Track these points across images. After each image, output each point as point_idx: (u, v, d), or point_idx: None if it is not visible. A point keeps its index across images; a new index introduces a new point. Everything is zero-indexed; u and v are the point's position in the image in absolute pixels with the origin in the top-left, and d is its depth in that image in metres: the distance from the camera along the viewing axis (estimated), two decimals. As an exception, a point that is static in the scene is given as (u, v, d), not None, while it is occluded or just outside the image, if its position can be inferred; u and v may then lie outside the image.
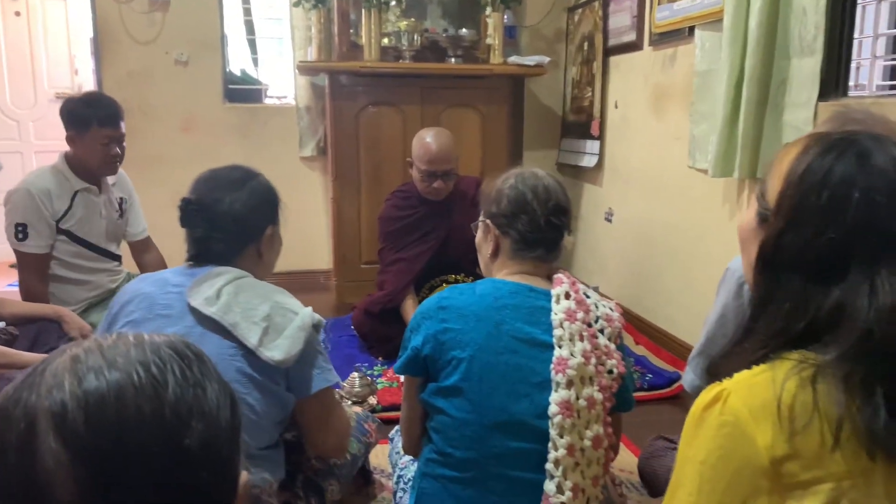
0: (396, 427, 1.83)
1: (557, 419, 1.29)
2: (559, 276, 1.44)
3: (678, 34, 2.85)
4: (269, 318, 1.36)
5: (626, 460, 2.07)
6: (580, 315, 1.36)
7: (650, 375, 2.66)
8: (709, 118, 2.63)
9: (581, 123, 3.82)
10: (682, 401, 2.55)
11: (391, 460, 1.81)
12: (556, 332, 1.33)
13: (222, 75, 3.93)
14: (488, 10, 3.50)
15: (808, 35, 2.12)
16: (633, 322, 3.26)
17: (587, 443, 1.32)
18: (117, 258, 2.59)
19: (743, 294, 1.34)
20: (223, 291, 1.37)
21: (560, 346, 1.32)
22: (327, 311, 3.56)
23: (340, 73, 3.45)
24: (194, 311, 1.36)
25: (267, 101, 4.14)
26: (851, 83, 2.18)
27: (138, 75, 3.81)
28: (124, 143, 2.48)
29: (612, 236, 3.57)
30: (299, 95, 3.95)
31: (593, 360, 1.34)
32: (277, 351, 1.33)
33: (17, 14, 4.83)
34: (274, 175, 4.10)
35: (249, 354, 1.34)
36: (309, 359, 1.39)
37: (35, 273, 2.36)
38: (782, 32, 2.23)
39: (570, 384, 1.30)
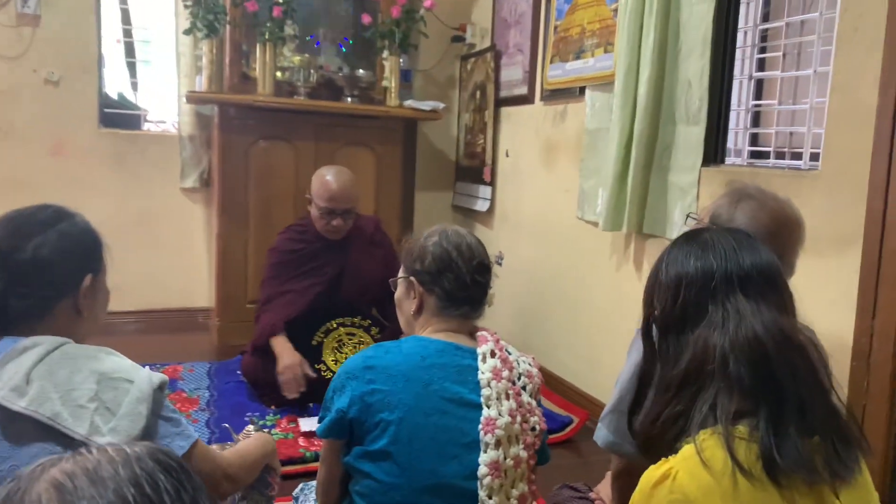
0: (301, 485, 1.76)
1: (487, 480, 1.30)
2: (483, 333, 1.47)
3: (569, 92, 3.01)
4: (98, 395, 1.10)
5: (528, 510, 2.09)
6: (505, 373, 1.38)
7: (561, 419, 2.73)
8: (597, 174, 2.78)
9: (474, 168, 3.91)
10: (575, 444, 2.64)
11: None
12: (485, 391, 1.35)
13: (98, 98, 3.68)
14: (385, 53, 3.53)
15: (693, 106, 2.31)
16: (522, 365, 3.35)
17: (514, 502, 1.34)
18: None
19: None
20: (34, 374, 1.09)
21: (488, 406, 1.33)
22: (210, 353, 3.38)
23: (231, 106, 3.34)
24: (1, 410, 1.07)
25: (146, 126, 3.92)
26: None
27: (1, 94, 3.48)
28: None
29: (502, 280, 3.66)
30: (183, 123, 3.78)
31: (518, 419, 1.36)
32: (113, 435, 1.09)
33: None
34: (152, 206, 3.93)
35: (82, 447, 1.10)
36: (154, 430, 1.15)
37: None
38: (668, 100, 2.42)
39: (498, 444, 1.32)
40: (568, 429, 2.67)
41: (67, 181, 3.59)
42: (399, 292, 1.53)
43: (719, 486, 0.84)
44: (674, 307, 1.02)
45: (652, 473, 0.88)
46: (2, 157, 3.46)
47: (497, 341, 1.44)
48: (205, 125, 3.79)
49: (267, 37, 3.27)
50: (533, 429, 1.38)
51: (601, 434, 1.57)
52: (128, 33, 3.88)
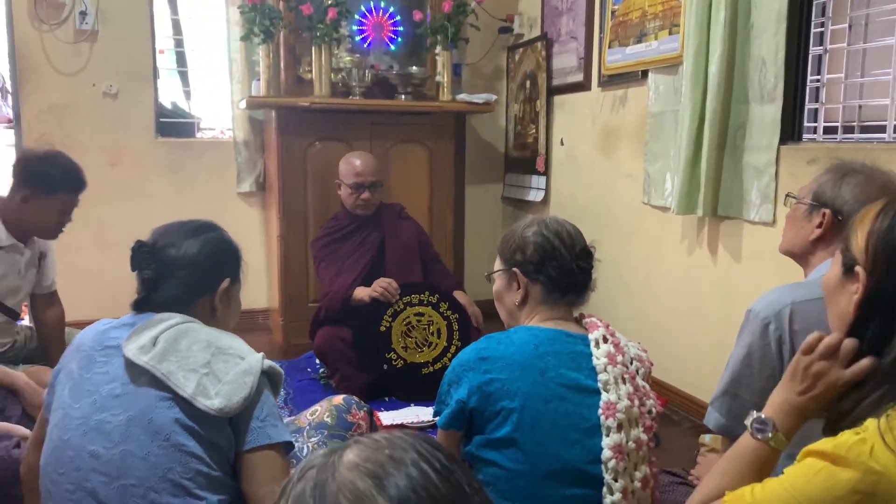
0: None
1: (612, 463, 1.31)
2: (592, 320, 1.48)
3: (630, 76, 2.98)
4: (209, 364, 1.22)
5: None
6: (619, 358, 1.39)
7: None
8: (664, 157, 2.76)
9: (525, 159, 3.90)
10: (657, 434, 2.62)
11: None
12: (602, 376, 1.35)
13: (154, 108, 3.74)
14: (438, 49, 3.54)
15: (769, 84, 2.28)
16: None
17: (637, 484, 1.35)
18: (15, 316, 2.30)
19: (768, 334, 1.40)
20: (160, 339, 1.24)
21: (607, 391, 1.34)
22: (275, 353, 3.43)
23: (288, 109, 3.37)
24: (129, 365, 1.22)
25: (200, 134, 3.98)
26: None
27: (62, 108, 3.56)
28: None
29: (561, 269, 3.65)
30: (237, 129, 3.82)
31: (636, 402, 1.37)
32: (217, 399, 1.19)
33: None
34: (208, 211, 3.98)
35: (187, 405, 1.19)
36: (252, 409, 1.22)
37: None
38: (740, 79, 2.39)
39: (620, 427, 1.32)
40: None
41: (126, 189, 3.66)
42: (498, 285, 1.53)
43: None
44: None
45: (846, 439, 0.86)
46: (67, 171, 3.53)
47: (607, 326, 1.45)
48: (258, 130, 3.83)
49: (322, 39, 3.29)
50: (650, 412, 1.39)
51: (712, 417, 1.56)
52: (179, 43, 3.93)
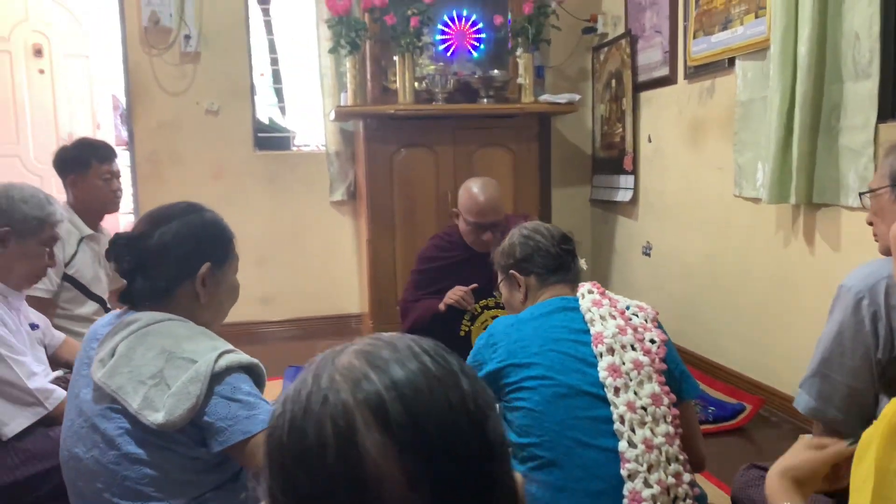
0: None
1: (608, 381, 1.43)
2: (581, 283, 1.67)
3: (716, 66, 2.89)
4: (161, 372, 1.20)
5: (715, 495, 2.00)
6: (606, 302, 1.56)
7: (712, 408, 2.60)
8: (754, 146, 2.65)
9: (612, 159, 3.84)
10: (748, 432, 2.50)
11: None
12: (587, 315, 1.53)
13: (252, 123, 3.96)
14: (519, 51, 3.55)
15: (863, 59, 2.15)
16: (681, 354, 3.22)
17: (646, 400, 1.43)
18: (104, 304, 2.57)
19: (862, 310, 1.32)
20: (118, 348, 1.23)
21: (593, 325, 1.50)
22: (366, 354, 3.52)
23: (374, 117, 3.48)
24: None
25: (294, 147, 4.17)
26: None
27: (169, 126, 3.83)
28: (120, 179, 2.61)
29: (651, 270, 3.55)
30: (329, 141, 3.98)
31: (630, 332, 1.50)
32: (162, 412, 1.17)
33: (41, 72, 4.89)
34: (303, 220, 4.16)
35: (135, 418, 1.20)
36: (205, 415, 1.20)
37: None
38: (832, 57, 2.26)
39: (611, 351, 1.46)
40: (741, 416, 2.54)
41: (227, 201, 3.86)
42: (505, 294, 1.79)
43: None
44: None
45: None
46: (172, 183, 3.79)
47: (594, 284, 1.62)
48: (349, 141, 3.97)
49: (405, 48, 3.38)
50: (652, 341, 1.50)
51: (802, 400, 1.48)
52: (275, 62, 4.15)
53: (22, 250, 1.95)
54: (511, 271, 1.72)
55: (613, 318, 1.52)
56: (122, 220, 4.52)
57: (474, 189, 2.66)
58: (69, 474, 1.32)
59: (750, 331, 2.79)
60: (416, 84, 3.59)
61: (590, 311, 1.53)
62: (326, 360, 0.50)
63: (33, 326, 2.16)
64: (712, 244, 3.03)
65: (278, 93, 4.24)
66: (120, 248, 1.32)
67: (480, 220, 2.60)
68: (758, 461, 1.93)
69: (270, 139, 4.08)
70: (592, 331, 1.50)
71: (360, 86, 3.55)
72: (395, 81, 3.56)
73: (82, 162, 2.49)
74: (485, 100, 3.60)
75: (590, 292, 1.59)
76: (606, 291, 1.61)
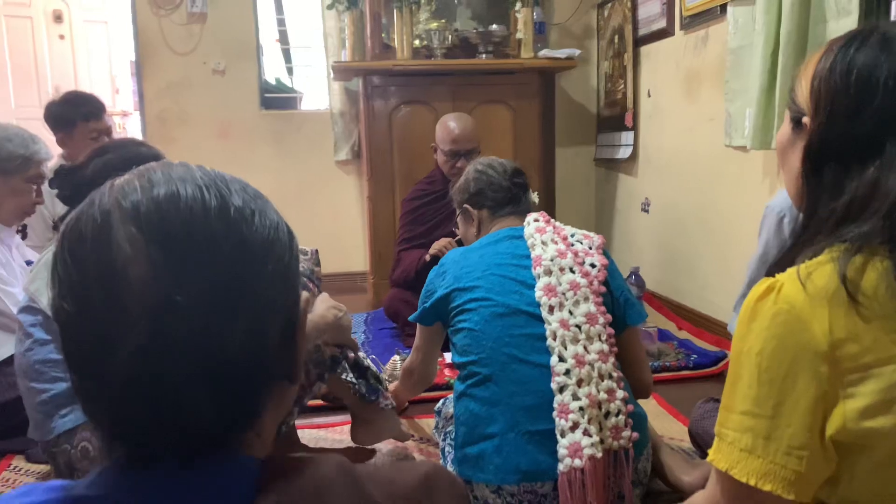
0: (442, 399, 1.85)
1: (543, 300, 1.48)
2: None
3: (710, 14, 2.84)
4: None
5: (675, 429, 2.02)
6: (549, 229, 1.61)
7: (695, 356, 2.61)
8: (744, 94, 2.61)
9: (615, 117, 3.81)
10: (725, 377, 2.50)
11: (437, 433, 1.81)
12: (529, 240, 1.58)
13: (258, 83, 4.02)
14: (518, 6, 3.54)
15: (844, -5, 2.10)
16: (674, 309, 3.22)
17: (580, 318, 1.47)
18: None
19: (783, 229, 1.32)
20: (41, 259, 1.59)
21: (534, 249, 1.56)
22: (365, 306, 3.61)
23: (374, 74, 3.50)
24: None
25: (301, 107, 4.23)
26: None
27: (177, 85, 3.92)
28: (113, 136, 2.57)
29: (649, 226, 3.54)
30: (333, 101, 4.02)
31: (569, 255, 1.54)
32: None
33: (62, 37, 5.02)
34: (309, 179, 4.22)
35: None
36: None
37: None
38: (816, -3, 2.22)
39: (548, 272, 1.52)
40: (721, 363, 2.53)
41: (233, 160, 3.96)
42: (461, 229, 1.85)
43: (832, 296, 0.77)
44: (849, 122, 0.82)
45: (756, 289, 0.83)
46: (180, 141, 3.89)
47: (543, 215, 1.67)
48: (353, 101, 4.01)
49: (403, 3, 3.39)
50: (593, 265, 1.55)
51: (734, 324, 1.49)
52: (281, 22, 4.20)
53: (9, 187, 2.05)
54: (465, 206, 1.79)
55: (555, 242, 1.57)
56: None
57: (449, 120, 2.91)
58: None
59: (736, 284, 2.77)
60: (416, 41, 3.61)
61: (532, 236, 1.59)
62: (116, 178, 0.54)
63: (29, 263, 2.27)
64: (704, 197, 3.00)
65: (286, 54, 4.29)
66: (61, 178, 1.47)
67: (454, 147, 2.82)
68: (717, 396, 1.95)
69: (277, 99, 4.15)
70: (533, 254, 1.55)
71: (359, 42, 3.58)
72: (394, 38, 3.58)
73: (67, 120, 2.50)
74: (483, 55, 3.60)
75: (535, 220, 1.65)
76: (553, 220, 1.66)
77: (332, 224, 4.14)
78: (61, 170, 1.49)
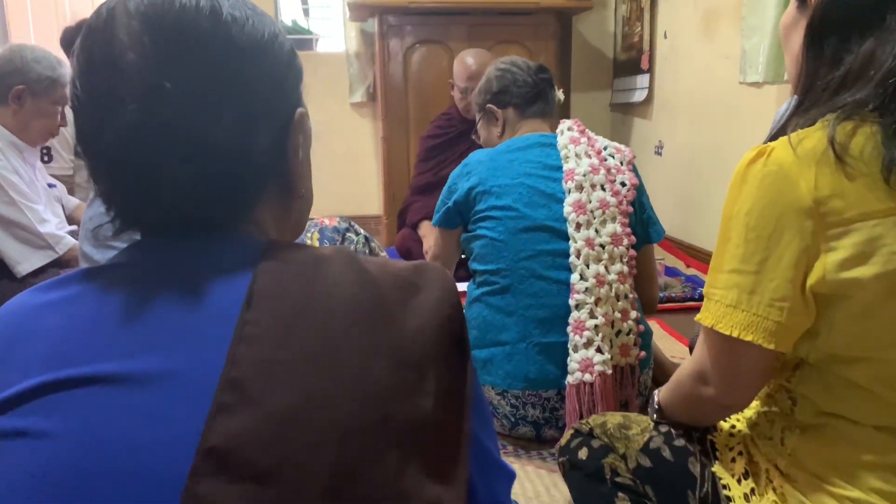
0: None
1: (572, 216, 1.46)
2: (562, 120, 1.64)
3: (728, -52, 2.82)
4: None
5: (677, 348, 2.08)
6: (584, 140, 1.55)
7: (701, 289, 2.64)
8: (759, 30, 2.59)
9: (631, 60, 3.79)
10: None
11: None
12: (563, 151, 1.53)
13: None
14: (535, -56, 3.51)
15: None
16: (685, 250, 3.25)
17: (606, 238, 1.47)
18: None
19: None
20: None
21: (566, 162, 1.51)
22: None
23: (390, 12, 3.50)
24: None
25: (317, 49, 4.24)
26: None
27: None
28: None
29: (662, 169, 3.55)
30: (349, 42, 4.03)
31: (602, 172, 1.50)
32: None
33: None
34: (324, 121, 4.24)
35: None
36: None
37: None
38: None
39: (580, 188, 1.48)
40: (728, 296, 2.57)
41: (253, 101, 3.99)
42: (483, 131, 1.77)
43: (820, 157, 0.80)
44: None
45: (747, 155, 0.87)
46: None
47: (576, 122, 1.61)
48: (369, 43, 4.01)
49: (418, -61, 3.37)
50: (623, 184, 1.52)
51: None
52: (298, -37, 4.18)
53: (37, 108, 2.11)
54: (488, 105, 1.71)
55: (588, 156, 1.52)
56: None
57: (466, 55, 2.84)
58: None
59: (748, 220, 2.79)
60: (433, -21, 3.59)
61: (566, 147, 1.54)
62: None
63: (51, 185, 2.33)
64: (718, 136, 3.01)
65: (303, -5, 4.28)
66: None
67: (469, 83, 2.73)
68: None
69: (293, 41, 4.14)
70: (565, 167, 1.51)
71: (376, -19, 3.57)
72: (410, -24, 3.56)
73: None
74: (499, -5, 3.58)
75: (569, 129, 1.59)
76: (587, 130, 1.60)
77: (347, 167, 4.18)
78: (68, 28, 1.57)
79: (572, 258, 1.46)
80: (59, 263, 2.08)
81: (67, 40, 2.62)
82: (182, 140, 0.53)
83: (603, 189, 1.49)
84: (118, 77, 0.52)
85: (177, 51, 0.53)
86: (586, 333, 1.43)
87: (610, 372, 1.44)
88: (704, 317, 0.87)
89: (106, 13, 0.55)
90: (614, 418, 1.01)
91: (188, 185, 0.54)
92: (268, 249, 0.54)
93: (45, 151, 2.45)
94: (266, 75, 0.57)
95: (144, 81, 0.52)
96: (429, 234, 2.77)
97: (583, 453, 1.01)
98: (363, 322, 0.49)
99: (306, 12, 4.28)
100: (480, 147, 2.75)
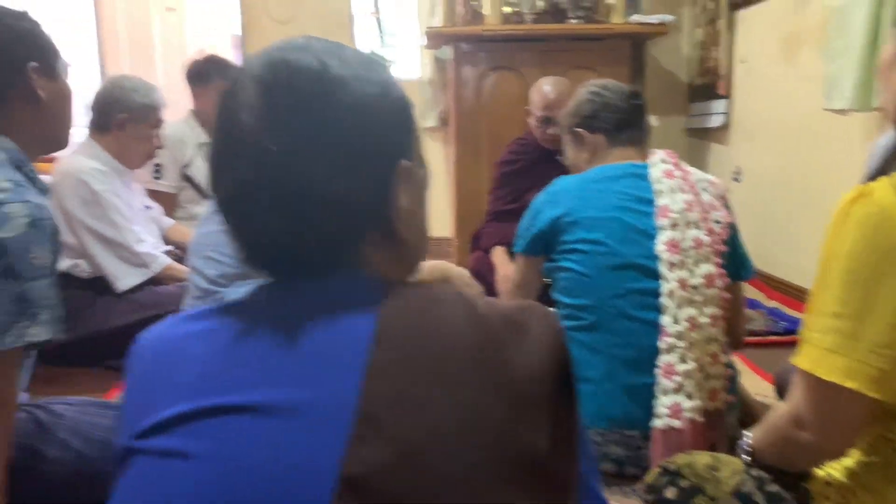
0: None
1: (665, 256, 1.40)
2: (654, 150, 1.59)
3: (812, -28, 2.76)
4: None
5: (761, 386, 2.02)
6: (678, 174, 1.49)
7: (784, 323, 2.57)
8: (845, 54, 2.52)
9: (708, 85, 3.74)
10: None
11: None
12: (656, 186, 1.46)
13: (351, 52, 4.16)
14: (609, -30, 3.52)
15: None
16: (765, 281, 3.16)
17: (699, 279, 1.40)
18: None
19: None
20: None
21: (660, 197, 1.45)
22: (449, 270, 3.69)
23: (463, 40, 3.57)
24: None
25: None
26: None
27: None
28: None
29: (741, 196, 3.46)
30: (423, 69, 4.12)
31: (697, 209, 1.44)
32: None
33: (170, 10, 5.31)
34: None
35: None
36: None
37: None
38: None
39: (674, 226, 1.42)
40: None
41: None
42: (570, 153, 1.71)
43: None
44: None
45: (848, 196, 0.86)
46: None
47: (668, 153, 1.55)
48: (441, 69, 4.10)
49: (493, -32, 3.43)
50: (717, 221, 1.47)
51: None
52: (375, -7, 4.31)
53: (136, 133, 2.25)
54: (578, 129, 1.64)
55: (683, 192, 1.45)
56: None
57: (544, 83, 2.79)
58: None
59: (833, 249, 2.70)
60: (506, 7, 3.64)
61: (659, 181, 1.47)
62: None
63: (147, 207, 2.47)
64: (799, 163, 2.93)
65: (379, 25, 4.41)
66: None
67: (546, 113, 2.70)
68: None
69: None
70: (659, 202, 1.45)
71: (450, 9, 3.65)
72: (484, 4, 3.62)
73: (204, 76, 2.76)
74: (573, 20, 3.60)
75: (663, 161, 1.53)
76: (681, 162, 1.54)
77: (419, 190, 4.25)
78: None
79: (664, 299, 1.40)
80: (154, 281, 2.20)
81: (193, 72, 2.81)
82: (286, 194, 0.58)
83: (698, 227, 1.43)
84: (235, 136, 0.59)
85: (285, 114, 0.58)
86: (676, 378, 1.38)
87: (700, 420, 1.39)
88: (802, 360, 0.86)
89: (237, 75, 0.61)
90: (703, 458, 1.00)
91: (293, 233, 0.59)
92: (387, 289, 0.57)
93: (156, 168, 2.62)
94: (371, 131, 0.61)
95: (255, 143, 0.58)
96: (502, 261, 2.77)
97: (671, 493, 1.00)
98: (478, 360, 0.52)
99: (382, 41, 4.40)
100: (561, 172, 2.72)
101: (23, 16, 1.21)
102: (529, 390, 0.51)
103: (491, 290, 2.87)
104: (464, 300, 0.56)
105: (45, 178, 2.26)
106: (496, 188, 3.02)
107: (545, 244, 1.55)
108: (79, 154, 2.20)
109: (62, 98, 1.24)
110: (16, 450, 1.10)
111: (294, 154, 0.57)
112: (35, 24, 1.22)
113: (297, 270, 0.60)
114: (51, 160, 2.57)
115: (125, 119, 2.23)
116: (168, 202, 2.69)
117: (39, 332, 1.04)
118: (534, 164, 2.90)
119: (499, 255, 2.81)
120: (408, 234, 0.65)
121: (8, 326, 1.01)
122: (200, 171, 2.78)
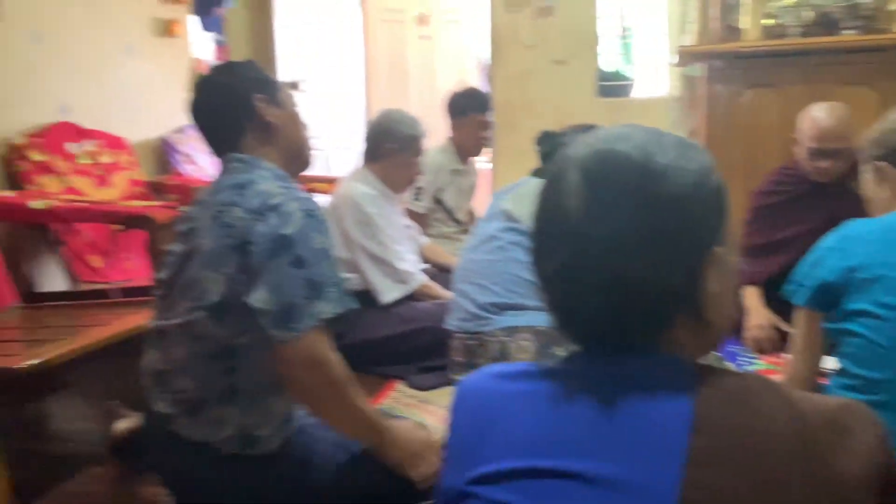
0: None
1: None
2: None
3: None
4: None
5: None
6: None
7: None
8: None
9: None
10: None
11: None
12: None
13: (595, 73, 4.18)
14: (896, -26, 3.14)
15: None
16: None
17: None
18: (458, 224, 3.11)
19: None
20: None
21: None
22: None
23: (718, 57, 3.41)
24: None
25: (633, 95, 4.29)
26: None
27: (521, 76, 4.25)
28: (490, 130, 3.08)
29: None
30: (672, 87, 4.01)
31: None
32: None
33: (424, 38, 5.74)
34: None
35: None
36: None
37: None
38: None
39: None
40: None
41: (570, 146, 4.17)
42: (868, 188, 1.48)
43: None
44: None
45: None
46: (518, 128, 4.20)
47: None
48: (690, 86, 3.94)
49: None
50: None
51: None
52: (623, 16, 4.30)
53: (402, 161, 2.51)
54: (881, 162, 1.43)
55: None
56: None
57: (816, 111, 2.48)
58: None
59: None
60: (767, 21, 3.41)
61: None
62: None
63: (407, 227, 2.72)
64: None
65: (625, 44, 4.38)
66: (544, 138, 2.12)
67: (817, 145, 2.42)
68: None
69: (612, 87, 4.26)
70: None
71: (705, 26, 3.50)
72: (740, 19, 3.43)
73: (460, 108, 3.02)
74: (847, 31, 3.27)
75: None
76: None
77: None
78: (546, 132, 2.04)
79: None
80: (412, 297, 2.41)
81: (453, 104, 3.11)
82: (605, 279, 0.62)
83: None
84: (558, 220, 0.65)
85: (608, 203, 0.62)
86: None
87: None
88: None
89: (560, 165, 0.67)
90: None
91: (608, 314, 0.63)
92: (700, 374, 0.59)
93: (417, 190, 2.91)
94: (687, 221, 0.63)
95: (577, 229, 0.63)
96: (755, 305, 2.56)
97: None
98: (799, 462, 0.52)
99: (627, 59, 4.36)
100: (829, 211, 2.40)
101: (247, 63, 1.45)
102: (852, 497, 0.50)
103: (738, 331, 2.66)
104: (781, 394, 0.56)
105: (323, 198, 2.60)
106: (751, 220, 2.77)
107: (827, 299, 1.36)
108: (353, 180, 2.49)
109: (291, 121, 1.41)
110: (288, 459, 1.27)
111: (614, 242, 0.61)
112: (254, 65, 1.43)
113: (610, 346, 0.64)
114: (331, 181, 2.95)
115: (393, 149, 2.48)
116: (423, 222, 2.94)
117: (329, 308, 1.18)
118: (798, 198, 2.64)
119: (751, 297, 2.59)
120: (715, 317, 0.66)
121: (305, 309, 1.15)
122: (452, 196, 3.01)
